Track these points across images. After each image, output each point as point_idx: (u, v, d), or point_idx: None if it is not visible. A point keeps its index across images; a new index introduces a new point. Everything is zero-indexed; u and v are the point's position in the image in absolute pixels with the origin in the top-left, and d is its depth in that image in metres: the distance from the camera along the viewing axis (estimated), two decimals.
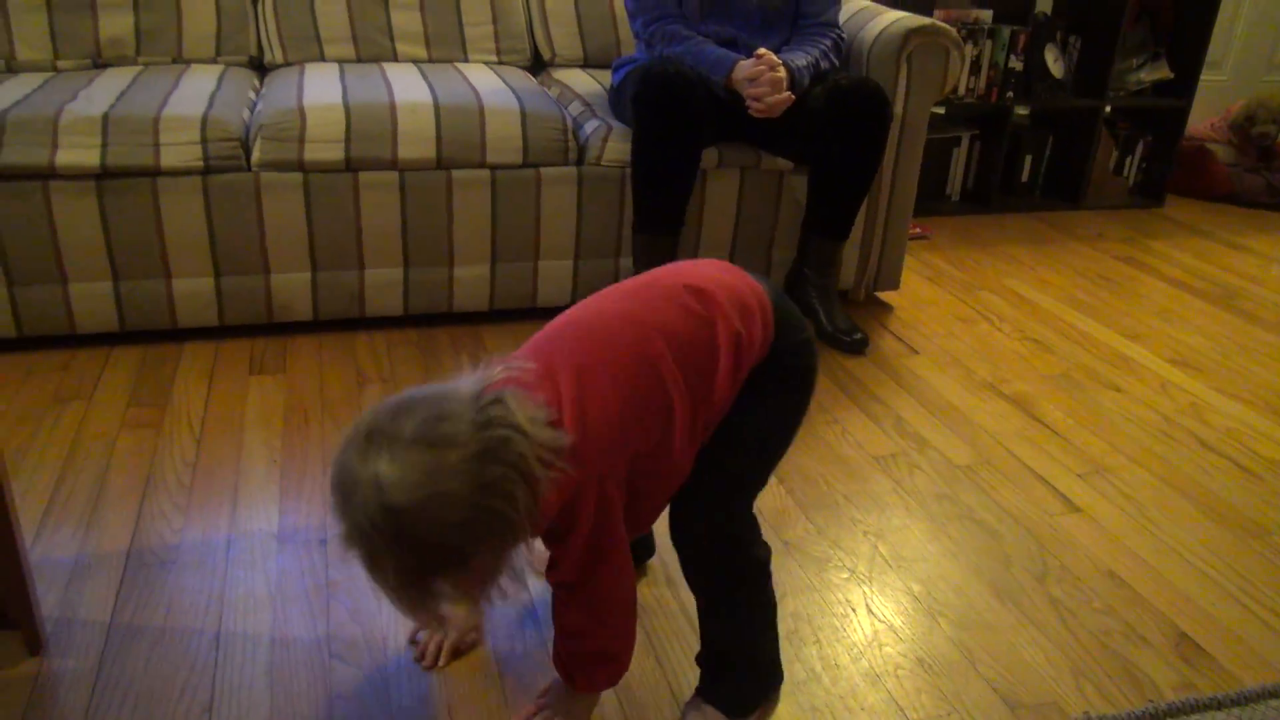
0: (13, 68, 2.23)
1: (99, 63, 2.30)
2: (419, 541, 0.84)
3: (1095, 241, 3.03)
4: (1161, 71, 3.30)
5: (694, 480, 1.07)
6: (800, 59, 2.07)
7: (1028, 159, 3.34)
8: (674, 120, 1.97)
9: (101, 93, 2.00)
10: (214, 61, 2.38)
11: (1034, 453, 1.83)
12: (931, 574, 1.48)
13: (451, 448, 0.83)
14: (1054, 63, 3.19)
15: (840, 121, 2.04)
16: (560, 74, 2.52)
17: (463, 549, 0.86)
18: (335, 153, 1.97)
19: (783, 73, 1.98)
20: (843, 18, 2.33)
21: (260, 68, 2.44)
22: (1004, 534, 1.58)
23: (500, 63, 2.53)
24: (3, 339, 1.97)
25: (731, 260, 2.28)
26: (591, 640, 1.08)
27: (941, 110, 3.11)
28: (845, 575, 1.47)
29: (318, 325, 2.15)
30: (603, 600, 1.06)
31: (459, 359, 2.05)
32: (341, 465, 0.87)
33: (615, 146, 2.12)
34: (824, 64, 2.13)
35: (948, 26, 2.23)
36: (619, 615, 1.08)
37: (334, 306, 2.11)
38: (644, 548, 1.45)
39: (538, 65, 2.62)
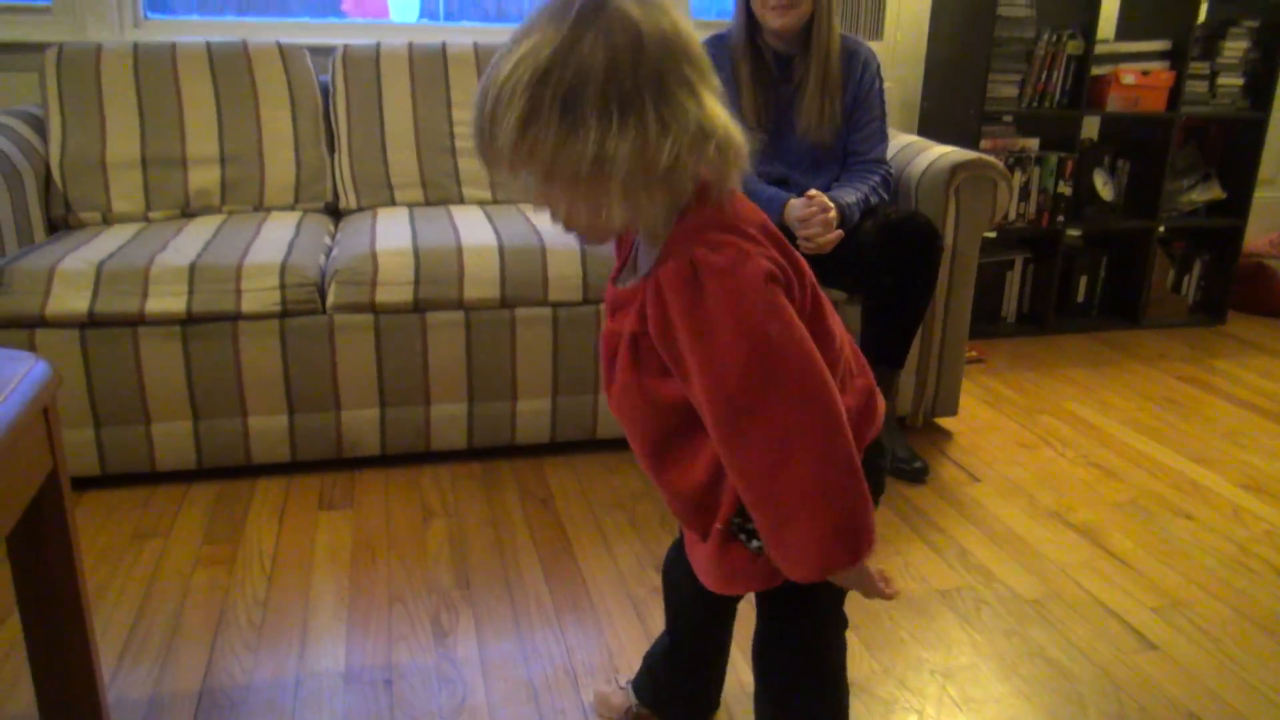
0: (108, 220, 2.40)
1: (187, 212, 2.45)
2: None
3: (1157, 362, 3.00)
4: (1214, 192, 3.32)
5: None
6: (850, 195, 2.13)
7: (1083, 279, 3.35)
8: None
9: (189, 242, 2.13)
10: (292, 208, 2.52)
11: (1104, 585, 1.79)
12: (1002, 716, 1.44)
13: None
14: (1103, 186, 3.23)
15: (892, 255, 2.09)
16: None
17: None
18: (405, 294, 2.06)
19: (834, 213, 2.04)
20: (890, 153, 2.40)
21: (335, 213, 2.58)
22: (1077, 673, 1.54)
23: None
24: (87, 477, 2.06)
25: None
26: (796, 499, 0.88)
27: (993, 234, 3.15)
28: (913, 718, 1.44)
29: (385, 460, 2.21)
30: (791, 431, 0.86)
31: (522, 493, 2.08)
32: None
33: None
34: (873, 199, 2.20)
35: (994, 160, 2.29)
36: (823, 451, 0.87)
37: (401, 441, 2.17)
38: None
39: None
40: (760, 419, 0.86)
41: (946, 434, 2.45)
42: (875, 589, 0.94)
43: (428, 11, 3.15)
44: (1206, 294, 3.45)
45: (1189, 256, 3.41)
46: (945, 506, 2.07)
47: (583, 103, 0.82)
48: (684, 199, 0.90)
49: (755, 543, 0.98)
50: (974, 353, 2.96)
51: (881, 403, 1.05)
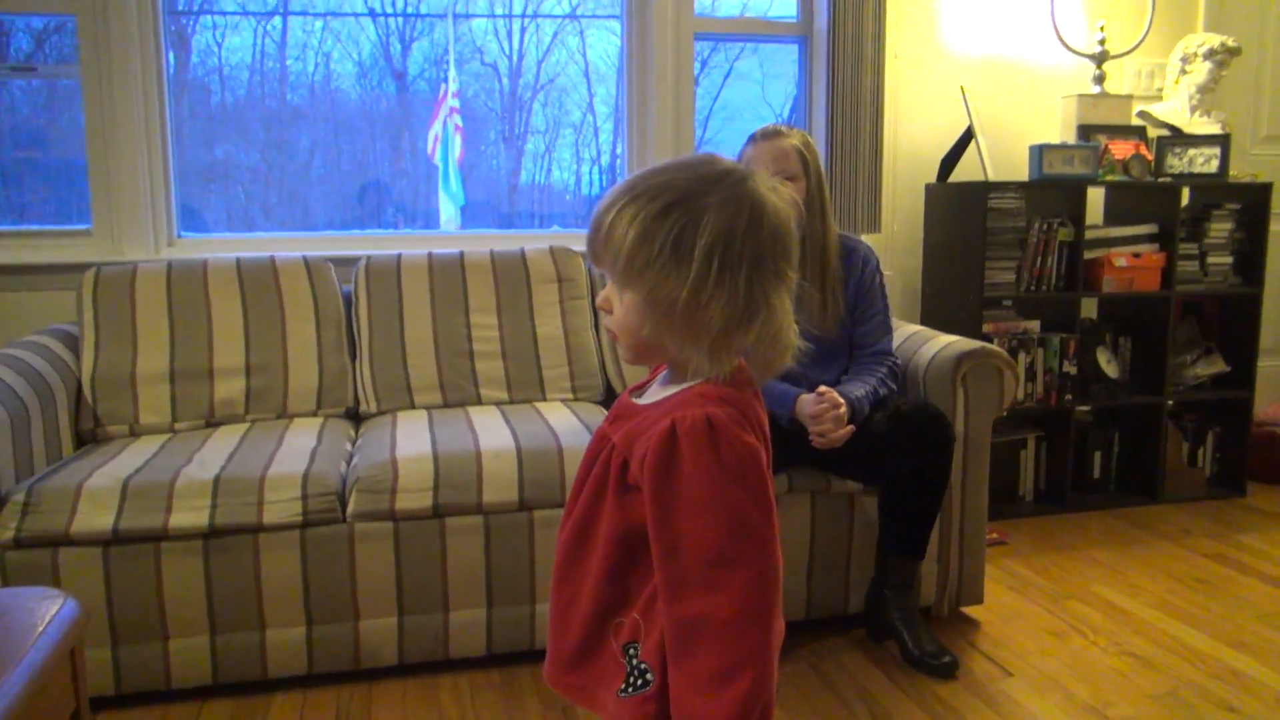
0: (135, 431, 2.46)
1: (212, 422, 2.51)
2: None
3: (1181, 539, 2.97)
4: (1217, 365, 3.37)
5: None
6: (859, 389, 2.18)
7: (1097, 456, 3.35)
8: None
9: (213, 455, 2.17)
10: (314, 414, 2.58)
11: None
12: None
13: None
14: (1107, 364, 3.29)
15: (904, 446, 2.12)
16: None
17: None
18: (424, 501, 2.08)
19: (845, 409, 2.08)
20: (895, 343, 2.46)
21: (356, 417, 2.64)
22: None
23: (576, 399, 2.70)
24: (101, 697, 2.02)
25: (809, 581, 2.30)
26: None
27: (1004, 414, 3.18)
28: None
29: (402, 669, 2.17)
30: (742, 614, 0.89)
31: (543, 702, 2.03)
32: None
33: None
34: (882, 390, 2.24)
35: (998, 349, 2.35)
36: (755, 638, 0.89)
37: (419, 650, 2.14)
38: None
39: (610, 399, 2.79)
40: (733, 578, 0.89)
41: (974, 624, 2.40)
42: None
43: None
44: (1223, 466, 3.44)
45: (1201, 429, 3.42)
46: (979, 704, 2.01)
47: (692, 248, 0.91)
48: (726, 365, 0.96)
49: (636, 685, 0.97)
50: (995, 534, 2.93)
51: None
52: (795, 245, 0.97)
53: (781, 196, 0.96)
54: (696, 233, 0.91)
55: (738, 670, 0.87)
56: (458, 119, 3.30)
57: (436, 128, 3.28)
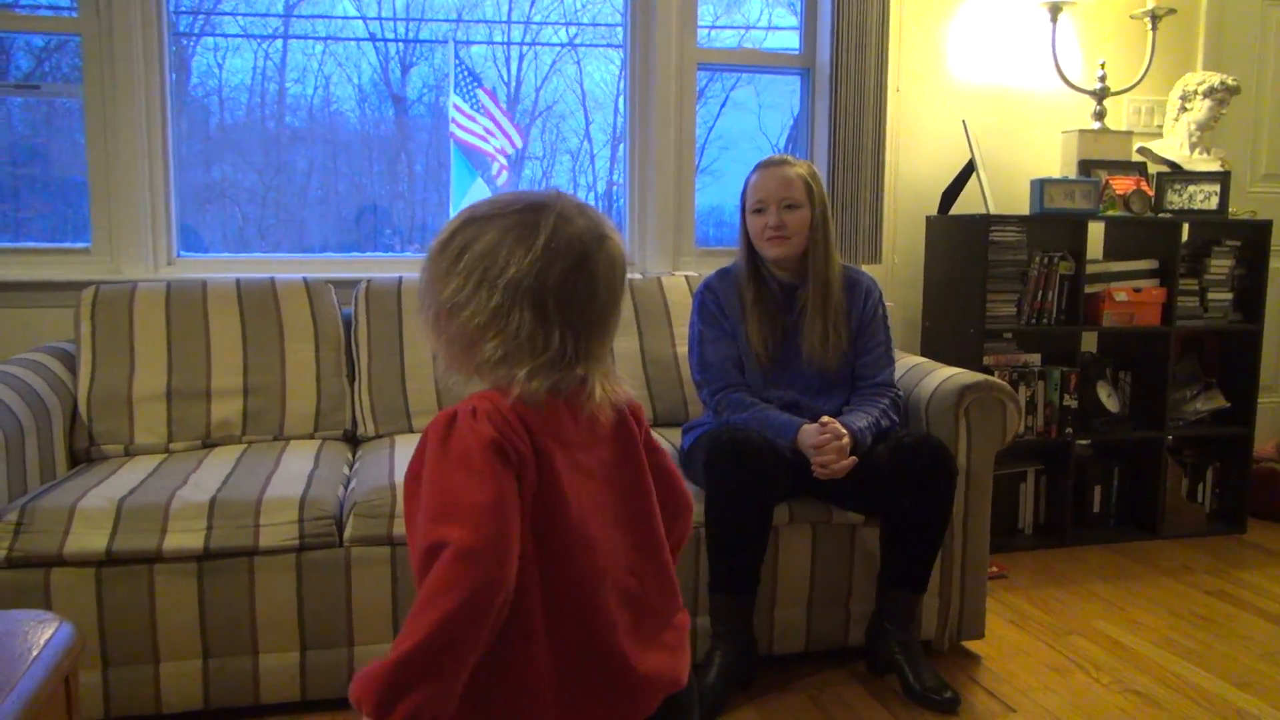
0: (130, 451, 2.43)
1: (208, 442, 2.49)
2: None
3: (1181, 574, 2.95)
4: (1216, 400, 3.37)
5: None
6: (861, 420, 2.17)
7: (1097, 490, 3.34)
8: (746, 484, 2.05)
9: (209, 476, 2.15)
10: (312, 437, 2.56)
11: None
12: None
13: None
14: (1108, 398, 3.28)
15: (906, 478, 2.10)
16: None
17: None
18: None
19: (847, 440, 2.07)
20: (897, 374, 2.45)
21: (354, 440, 2.61)
22: None
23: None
24: None
25: (809, 613, 2.27)
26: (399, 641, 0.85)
27: (1004, 446, 3.17)
28: None
29: None
30: (429, 589, 0.85)
31: None
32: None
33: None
34: (884, 422, 2.23)
35: (1000, 382, 2.34)
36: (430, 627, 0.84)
37: None
38: None
39: None
40: (431, 564, 0.87)
41: (975, 658, 2.37)
42: None
43: None
44: (1223, 502, 3.43)
45: (1201, 465, 3.42)
46: None
47: (465, 259, 0.98)
48: (486, 382, 0.99)
49: None
50: (995, 568, 2.91)
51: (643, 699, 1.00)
52: (580, 285, 0.98)
53: (577, 230, 0.98)
54: (473, 247, 0.98)
55: (407, 639, 0.84)
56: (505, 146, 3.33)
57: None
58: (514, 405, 0.95)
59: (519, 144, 3.38)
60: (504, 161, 3.35)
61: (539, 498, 0.94)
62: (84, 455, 2.41)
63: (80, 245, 2.88)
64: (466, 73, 3.29)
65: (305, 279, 2.69)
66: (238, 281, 2.64)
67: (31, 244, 2.89)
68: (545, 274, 0.96)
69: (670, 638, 1.05)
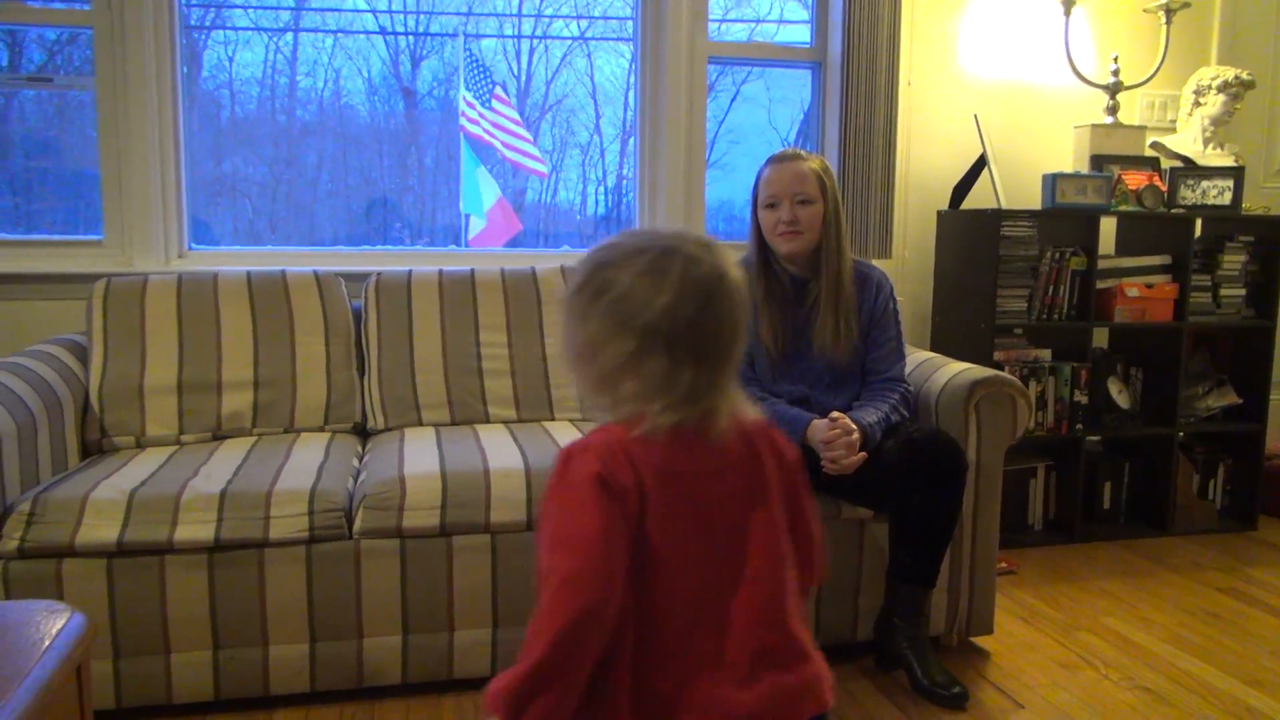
0: (141, 443, 2.44)
1: (218, 435, 2.50)
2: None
3: (1192, 572, 2.94)
4: (1229, 397, 3.35)
5: None
6: (871, 415, 2.16)
7: (1107, 486, 3.33)
8: None
9: (220, 468, 2.16)
10: (322, 429, 2.57)
11: None
12: None
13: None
14: (1119, 394, 3.27)
15: (916, 474, 2.10)
16: None
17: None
18: (432, 519, 2.06)
19: (857, 435, 2.06)
20: (908, 369, 2.45)
21: (363, 433, 2.62)
22: None
23: (585, 419, 2.69)
24: (102, 711, 1.99)
25: (818, 608, 2.27)
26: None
27: (1014, 442, 3.16)
28: None
29: (405, 689, 2.14)
30: (542, 612, 0.96)
31: None
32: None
33: None
34: (894, 417, 2.22)
35: (1011, 377, 2.33)
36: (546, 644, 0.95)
37: (423, 669, 2.11)
38: None
39: None
40: (549, 581, 0.97)
41: (983, 654, 2.37)
42: None
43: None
44: (1234, 499, 3.41)
45: (1212, 462, 3.40)
46: None
47: (601, 302, 1.03)
48: (618, 417, 1.05)
49: None
50: (1004, 563, 2.91)
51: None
52: (710, 324, 1.03)
53: (708, 271, 1.03)
54: (609, 290, 1.03)
55: (529, 656, 0.95)
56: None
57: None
58: (633, 441, 1.02)
59: (534, 154, 3.37)
60: (525, 163, 3.35)
61: (640, 529, 1.00)
62: (95, 447, 2.42)
63: (92, 238, 2.89)
64: (479, 70, 3.29)
65: (316, 272, 2.70)
66: (248, 274, 2.65)
67: (44, 236, 2.90)
68: (677, 316, 1.01)
69: (774, 673, 1.06)
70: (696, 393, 1.02)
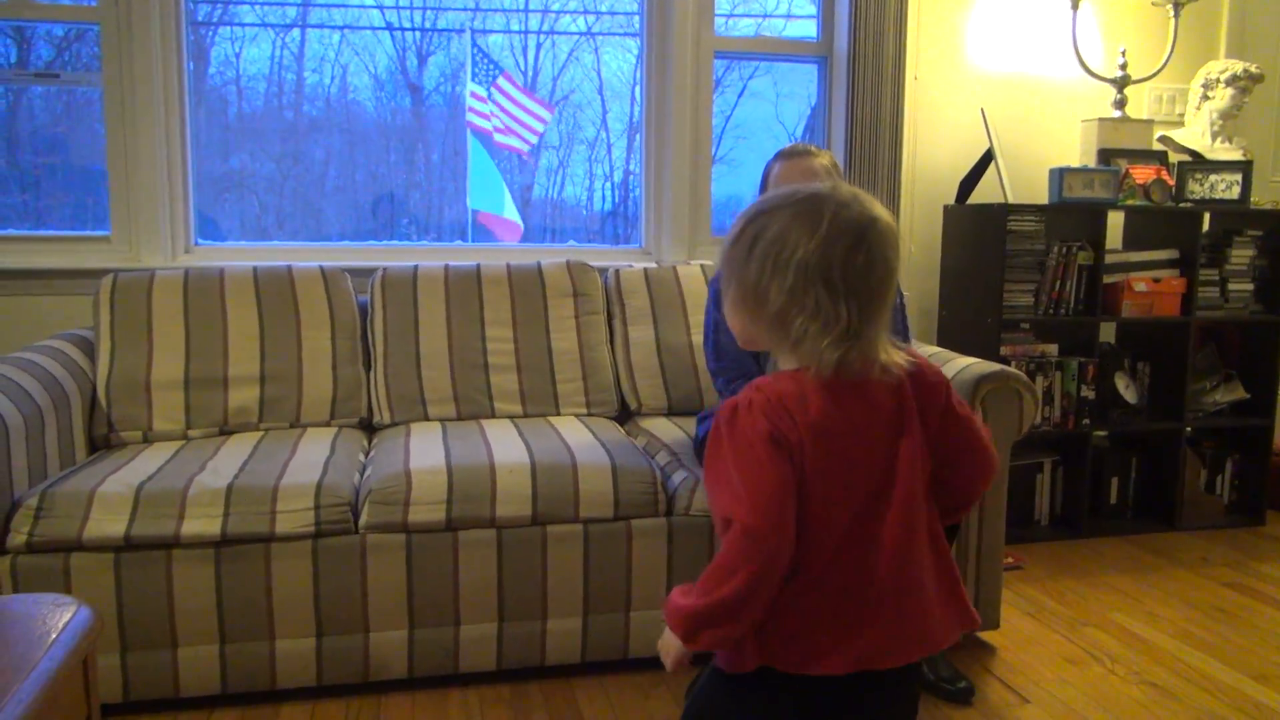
0: (149, 438, 2.45)
1: (225, 429, 2.50)
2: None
3: (1199, 567, 2.93)
4: (1236, 392, 3.34)
5: None
6: None
7: (1114, 481, 3.32)
8: None
9: (226, 463, 2.16)
10: (328, 424, 2.57)
11: None
12: None
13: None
14: (1125, 389, 3.26)
15: None
16: (646, 422, 2.66)
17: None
18: (437, 514, 2.07)
19: None
20: None
21: (369, 428, 2.63)
22: None
23: (590, 414, 2.69)
24: (109, 704, 2.00)
25: None
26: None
27: (1020, 437, 3.15)
28: None
29: (411, 683, 2.15)
30: (728, 555, 1.07)
31: (552, 719, 2.02)
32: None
33: (703, 496, 2.18)
34: None
35: (1017, 372, 2.33)
36: (722, 575, 1.07)
37: (429, 663, 2.12)
38: None
39: (624, 414, 2.77)
40: (730, 529, 1.08)
41: (990, 649, 2.37)
42: (670, 659, 1.16)
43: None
44: (1242, 494, 3.40)
45: (1219, 456, 3.39)
46: None
47: (758, 247, 1.10)
48: (796, 358, 1.11)
49: None
50: (1010, 559, 2.90)
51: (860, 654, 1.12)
52: (861, 261, 1.07)
53: (859, 212, 1.08)
54: (763, 237, 1.09)
55: (712, 593, 1.08)
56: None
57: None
58: (791, 397, 1.08)
59: (547, 118, 3.36)
60: (525, 147, 3.34)
61: (804, 473, 1.08)
62: (103, 441, 2.43)
63: (100, 233, 2.90)
64: (485, 60, 3.29)
65: (322, 267, 2.70)
66: (255, 269, 2.65)
67: (51, 231, 2.91)
68: (830, 253, 1.06)
69: (919, 604, 1.14)
70: (855, 328, 1.07)
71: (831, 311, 1.06)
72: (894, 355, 1.11)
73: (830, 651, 1.11)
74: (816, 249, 1.06)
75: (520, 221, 3.38)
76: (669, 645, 1.15)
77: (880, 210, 1.10)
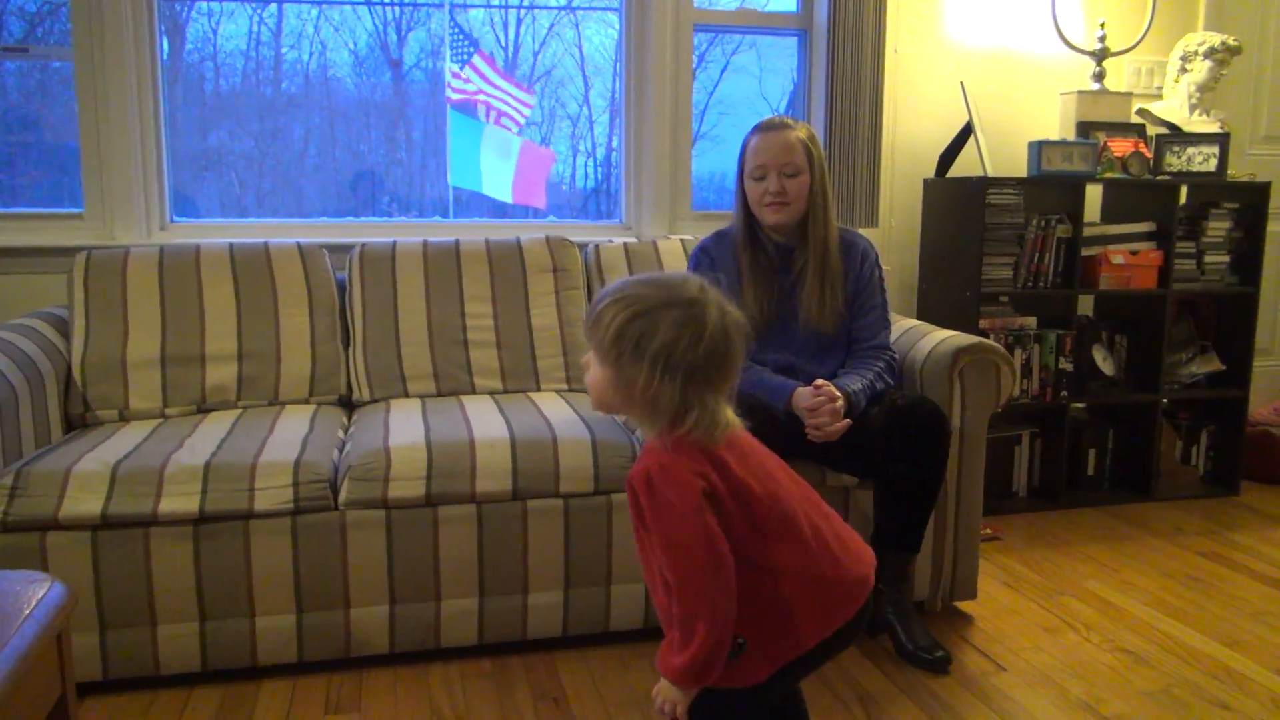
0: (125, 417, 2.43)
1: (203, 408, 2.49)
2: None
3: (1174, 536, 2.96)
4: (1212, 363, 3.37)
5: None
6: (856, 383, 2.17)
7: (1091, 453, 3.35)
8: None
9: (204, 440, 2.15)
10: (307, 401, 2.56)
11: None
12: None
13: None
14: (1103, 361, 3.28)
15: (900, 440, 2.11)
16: None
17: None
18: (417, 490, 2.07)
19: (841, 402, 2.07)
20: (893, 337, 2.45)
21: (349, 405, 2.62)
22: None
23: (571, 390, 2.69)
24: (88, 683, 2.00)
25: None
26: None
27: (1000, 409, 3.18)
28: None
29: (393, 658, 2.16)
30: (677, 585, 1.21)
31: (534, 693, 2.02)
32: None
33: None
34: (879, 385, 2.23)
35: (995, 344, 2.34)
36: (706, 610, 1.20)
37: (410, 639, 2.12)
38: None
39: None
40: (681, 584, 1.22)
41: (967, 618, 2.39)
42: (665, 709, 1.28)
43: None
44: (1217, 465, 3.44)
45: (1195, 428, 3.42)
46: (972, 699, 2.01)
47: (646, 348, 1.21)
48: (669, 427, 1.26)
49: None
50: (988, 530, 2.93)
51: (843, 609, 1.31)
52: (732, 357, 1.26)
53: (728, 317, 1.25)
54: (651, 340, 1.21)
55: (688, 645, 1.21)
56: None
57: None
58: (700, 446, 1.23)
59: (530, 104, 3.33)
60: (515, 127, 3.31)
61: (735, 495, 1.23)
62: (79, 421, 2.42)
63: (73, 210, 2.86)
64: (463, 37, 3.26)
65: (299, 243, 2.68)
66: (231, 246, 2.63)
67: (24, 209, 2.88)
68: (712, 357, 1.22)
69: (851, 555, 1.34)
70: (723, 405, 1.26)
71: (711, 404, 1.23)
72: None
73: (811, 629, 1.27)
74: (705, 354, 1.21)
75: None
76: (671, 694, 1.27)
77: (731, 304, 1.27)
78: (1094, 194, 3.41)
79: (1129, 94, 3.37)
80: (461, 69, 3.23)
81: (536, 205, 3.32)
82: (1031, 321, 3.17)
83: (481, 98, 3.26)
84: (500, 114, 3.29)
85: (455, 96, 3.26)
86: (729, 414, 1.28)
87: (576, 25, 3.38)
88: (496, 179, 3.32)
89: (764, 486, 1.27)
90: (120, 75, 2.78)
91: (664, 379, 1.20)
